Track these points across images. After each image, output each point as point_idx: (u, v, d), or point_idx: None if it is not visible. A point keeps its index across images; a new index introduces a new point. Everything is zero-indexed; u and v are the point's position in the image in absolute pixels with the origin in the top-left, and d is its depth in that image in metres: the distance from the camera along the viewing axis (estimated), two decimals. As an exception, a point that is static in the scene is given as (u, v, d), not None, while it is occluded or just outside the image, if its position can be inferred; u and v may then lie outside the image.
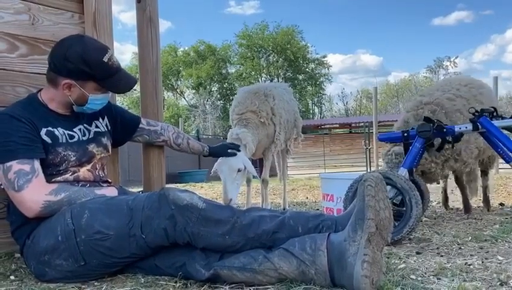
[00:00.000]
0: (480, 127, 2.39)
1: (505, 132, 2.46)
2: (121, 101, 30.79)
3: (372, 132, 10.43)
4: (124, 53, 49.65)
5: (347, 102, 41.39)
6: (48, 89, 1.71)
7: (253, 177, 3.24)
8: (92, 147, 1.76)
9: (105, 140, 1.84)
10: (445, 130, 2.41)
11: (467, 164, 2.75)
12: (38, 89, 1.78)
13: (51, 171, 1.63)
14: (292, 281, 1.37)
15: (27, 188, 1.51)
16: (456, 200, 3.79)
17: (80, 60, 1.59)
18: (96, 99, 1.71)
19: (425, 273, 1.56)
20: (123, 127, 1.98)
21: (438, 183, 3.19)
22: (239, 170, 2.45)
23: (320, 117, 38.50)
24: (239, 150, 2.49)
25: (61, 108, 1.72)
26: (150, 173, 2.30)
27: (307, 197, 5.09)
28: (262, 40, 34.44)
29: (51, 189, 1.56)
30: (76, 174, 1.69)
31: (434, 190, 3.82)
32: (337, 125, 25.05)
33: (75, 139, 1.71)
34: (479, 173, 3.21)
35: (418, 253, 1.90)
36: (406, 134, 2.51)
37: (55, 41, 1.73)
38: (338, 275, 1.33)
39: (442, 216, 3.14)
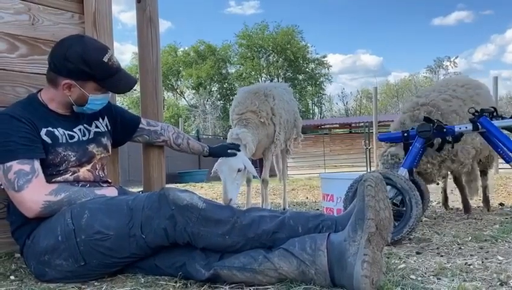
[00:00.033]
0: (480, 127, 2.39)
1: (505, 132, 2.46)
2: (121, 101, 30.80)
3: (372, 132, 10.43)
4: (124, 53, 49.78)
5: (347, 102, 41.49)
6: (48, 89, 1.71)
7: (253, 177, 3.24)
8: (92, 147, 1.76)
9: (105, 140, 1.84)
10: (445, 130, 2.41)
11: (464, 165, 2.74)
12: (38, 89, 1.78)
13: (51, 172, 1.63)
14: (292, 281, 1.37)
15: (27, 188, 1.51)
16: (456, 200, 3.79)
17: (80, 60, 1.59)
18: (96, 100, 1.71)
19: (425, 273, 1.56)
20: (123, 127, 1.98)
21: (437, 184, 3.19)
22: (239, 170, 2.45)
23: (320, 117, 38.51)
24: (239, 150, 2.49)
25: (61, 108, 1.72)
26: (150, 173, 2.30)
27: (307, 197, 5.09)
28: (262, 40, 34.44)
29: (51, 189, 1.56)
30: (76, 174, 1.69)
31: (434, 190, 3.82)
32: (337, 126, 25.05)
33: (75, 140, 1.71)
34: (478, 172, 3.21)
35: (418, 253, 1.90)
36: (406, 134, 2.51)
37: (55, 42, 1.72)
38: (338, 275, 1.33)
39: (442, 216, 3.14)
